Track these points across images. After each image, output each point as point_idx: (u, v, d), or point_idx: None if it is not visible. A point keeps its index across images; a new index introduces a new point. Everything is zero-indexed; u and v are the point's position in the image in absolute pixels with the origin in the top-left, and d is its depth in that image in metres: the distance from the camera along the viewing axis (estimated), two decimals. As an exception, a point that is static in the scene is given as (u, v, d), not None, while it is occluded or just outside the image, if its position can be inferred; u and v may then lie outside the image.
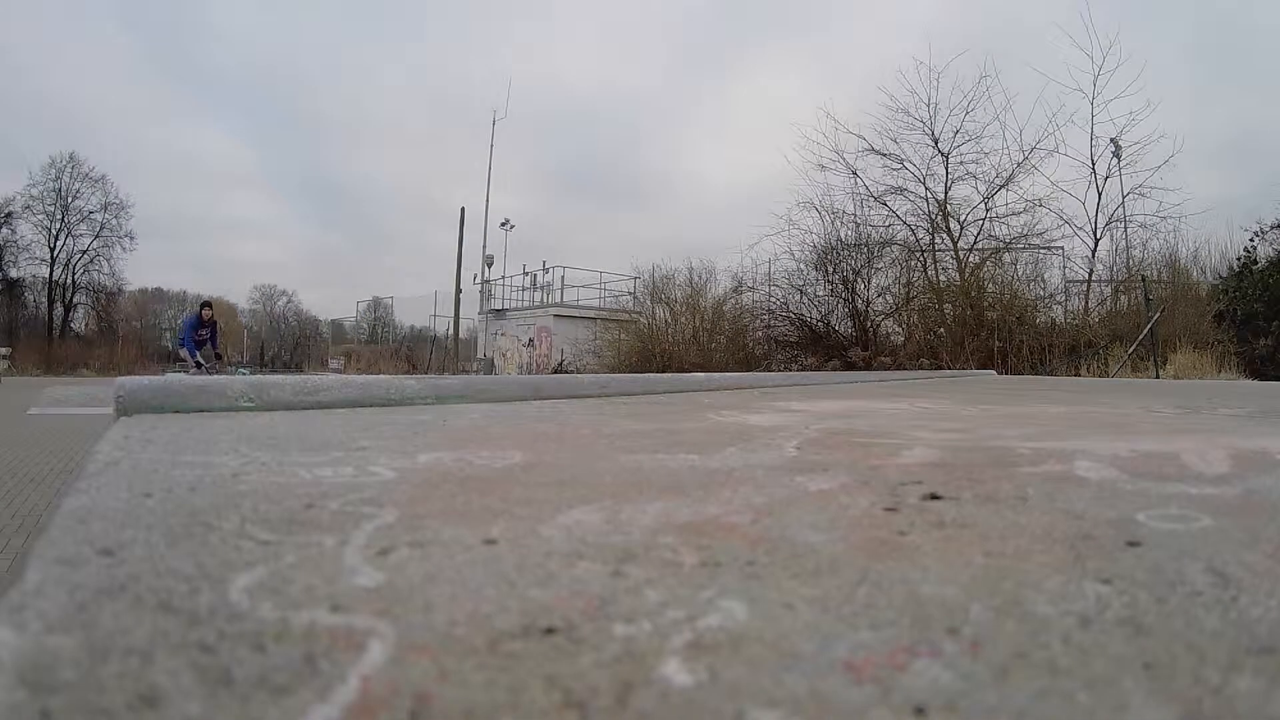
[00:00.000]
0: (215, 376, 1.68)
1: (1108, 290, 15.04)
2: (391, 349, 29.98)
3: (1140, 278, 13.41)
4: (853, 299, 16.28)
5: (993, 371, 10.43)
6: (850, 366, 13.89)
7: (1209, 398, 3.47)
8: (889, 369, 12.68)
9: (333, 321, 45.17)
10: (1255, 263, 13.89)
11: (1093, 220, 14.93)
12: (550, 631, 0.47)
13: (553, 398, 2.16)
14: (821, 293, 16.71)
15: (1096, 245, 14.96)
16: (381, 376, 1.80)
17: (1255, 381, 9.59)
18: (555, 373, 19.63)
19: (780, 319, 16.93)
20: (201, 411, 1.53)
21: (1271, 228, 13.90)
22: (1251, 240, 14.25)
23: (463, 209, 19.74)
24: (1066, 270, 15.29)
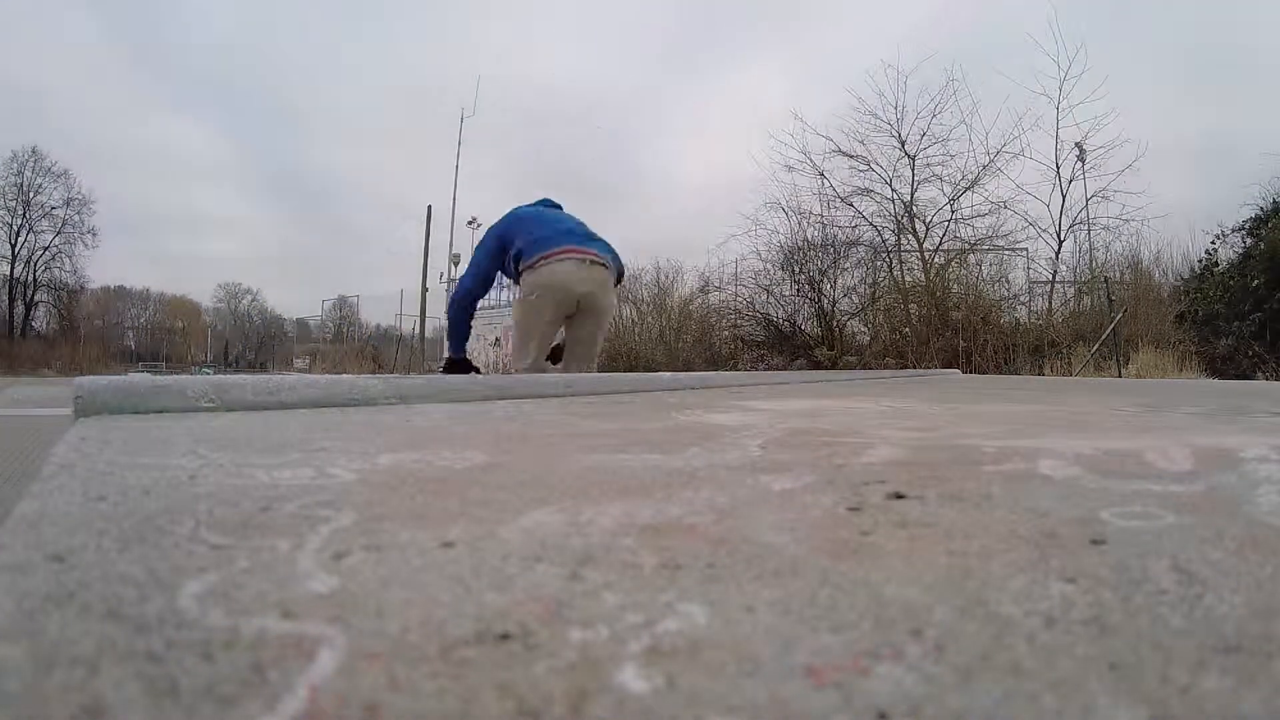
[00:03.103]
0: (176, 376, 1.66)
1: (1071, 291, 15.28)
2: (357, 348, 29.67)
3: (1103, 279, 13.62)
4: (819, 299, 16.39)
5: (957, 371, 10.53)
6: (817, 366, 13.98)
7: (1170, 396, 3.52)
8: (855, 368, 12.78)
9: (298, 320, 44.72)
10: (1216, 265, 14.16)
11: (1057, 222, 15.20)
12: (505, 637, 0.46)
13: (518, 397, 2.14)
14: (788, 292, 16.84)
15: (1060, 247, 15.22)
16: (344, 376, 1.78)
17: (1216, 380, 9.76)
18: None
19: (747, 319, 17.05)
20: (161, 412, 1.50)
21: (1233, 231, 14.16)
22: (1213, 243, 14.54)
23: (429, 207, 19.60)
24: (1030, 271, 15.58)
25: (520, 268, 3.87)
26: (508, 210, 4.22)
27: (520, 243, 3.88)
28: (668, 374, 3.14)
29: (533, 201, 4.37)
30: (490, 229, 4.12)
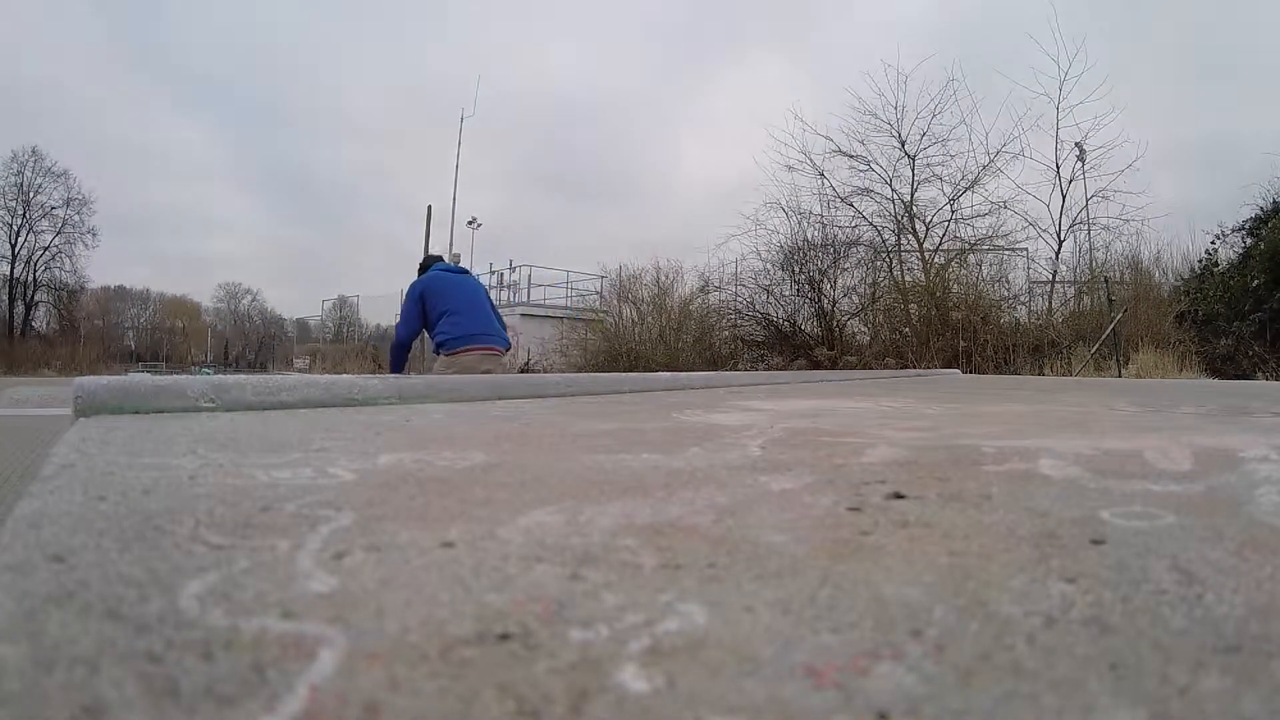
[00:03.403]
0: (175, 376, 1.66)
1: (1071, 291, 15.25)
2: (357, 348, 29.58)
3: (1103, 279, 13.60)
4: (819, 299, 16.36)
5: (957, 371, 10.51)
6: (816, 366, 13.96)
7: (1171, 396, 3.52)
8: (854, 368, 12.78)
9: (298, 320, 44.57)
10: (1216, 265, 14.14)
11: (1057, 223, 15.18)
12: (505, 638, 0.46)
13: (517, 397, 2.14)
14: (788, 292, 16.80)
15: (1060, 247, 15.20)
16: (344, 376, 1.78)
17: (1216, 380, 9.75)
18: (521, 372, 19.54)
19: (747, 319, 16.99)
20: (161, 412, 1.50)
21: (1233, 231, 14.16)
22: (1213, 243, 14.54)
23: (429, 206, 19.53)
24: (1030, 271, 15.54)
25: (443, 351, 4.93)
26: (425, 258, 5.62)
27: (443, 324, 4.94)
28: (667, 374, 3.14)
29: (434, 254, 5.82)
30: (414, 286, 5.19)
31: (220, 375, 1.60)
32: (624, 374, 3.17)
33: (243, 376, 1.69)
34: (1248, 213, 14.05)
